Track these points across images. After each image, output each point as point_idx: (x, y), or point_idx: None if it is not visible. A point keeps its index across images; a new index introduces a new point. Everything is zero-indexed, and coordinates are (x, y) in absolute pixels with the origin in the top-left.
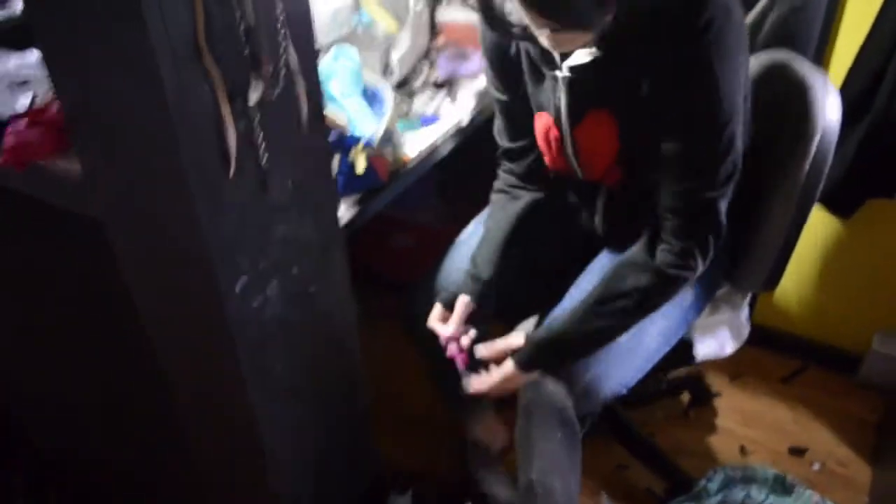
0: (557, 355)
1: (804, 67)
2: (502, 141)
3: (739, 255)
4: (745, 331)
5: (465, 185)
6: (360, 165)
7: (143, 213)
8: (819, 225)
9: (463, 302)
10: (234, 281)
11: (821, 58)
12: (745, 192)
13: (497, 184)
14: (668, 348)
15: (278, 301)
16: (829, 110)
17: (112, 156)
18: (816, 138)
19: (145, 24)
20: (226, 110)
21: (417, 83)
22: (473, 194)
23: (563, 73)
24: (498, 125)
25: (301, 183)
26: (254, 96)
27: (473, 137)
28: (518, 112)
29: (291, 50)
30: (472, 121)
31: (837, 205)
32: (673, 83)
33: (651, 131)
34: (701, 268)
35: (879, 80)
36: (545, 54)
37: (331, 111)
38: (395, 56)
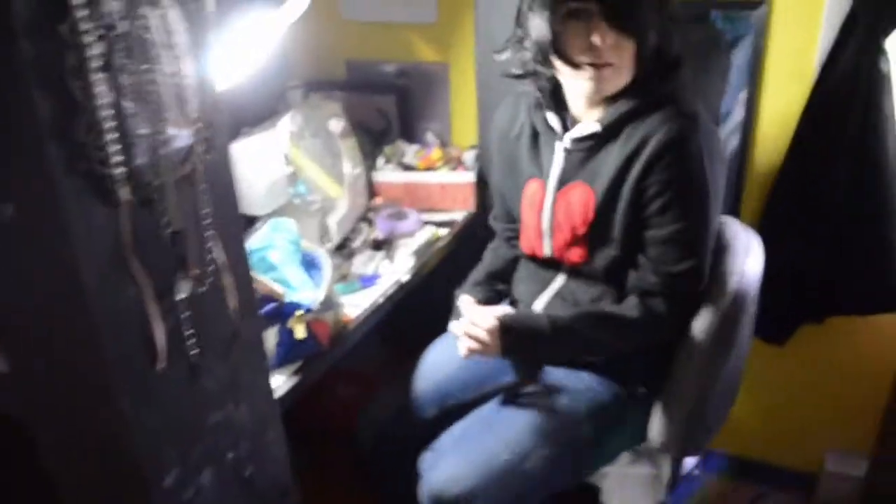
0: (531, 339)
1: (734, 228)
2: (496, 223)
3: (657, 411)
4: (661, 495)
5: (409, 332)
6: (300, 332)
7: (67, 410)
8: (759, 350)
9: (465, 300)
10: (162, 475)
11: (738, 206)
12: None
13: (490, 245)
14: (555, 480)
15: (212, 490)
16: (748, 270)
17: (37, 354)
18: (725, 300)
19: (68, 231)
20: (153, 309)
21: (357, 243)
22: (418, 341)
23: (562, 142)
24: (494, 211)
25: (234, 369)
26: (181, 293)
27: (415, 290)
28: (510, 199)
29: (219, 248)
30: (412, 278)
31: (770, 334)
32: (666, 167)
33: (629, 209)
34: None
35: (793, 219)
36: (549, 127)
37: (268, 281)
38: (333, 220)
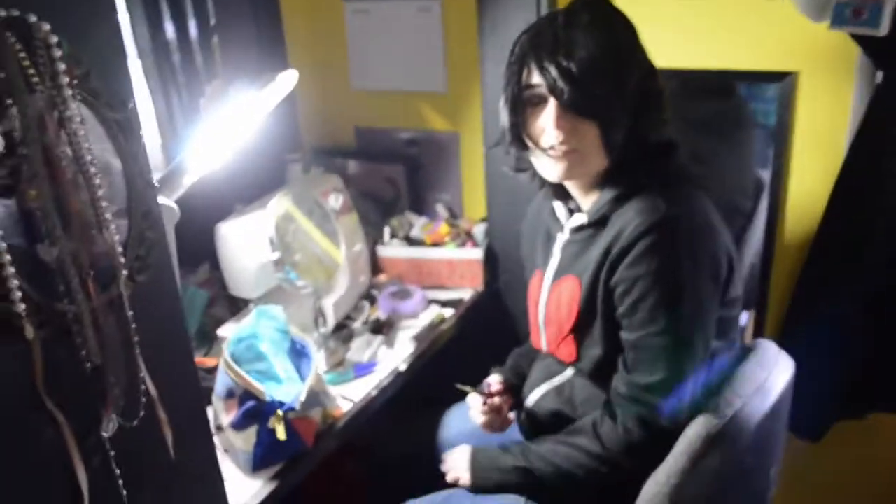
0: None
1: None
2: None
3: None
4: None
5: (419, 401)
6: (281, 433)
7: None
8: (794, 446)
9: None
10: None
11: (766, 293)
12: None
13: None
14: None
15: None
16: (747, 412)
17: None
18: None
19: None
20: (74, 451)
21: (357, 324)
22: (429, 412)
23: (564, 233)
24: None
25: (179, 500)
26: (107, 430)
27: (416, 376)
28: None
29: (148, 380)
30: (410, 366)
31: (806, 430)
32: (632, 263)
33: (604, 306)
34: (645, 448)
35: (827, 308)
36: (556, 218)
37: (247, 377)
38: (329, 302)
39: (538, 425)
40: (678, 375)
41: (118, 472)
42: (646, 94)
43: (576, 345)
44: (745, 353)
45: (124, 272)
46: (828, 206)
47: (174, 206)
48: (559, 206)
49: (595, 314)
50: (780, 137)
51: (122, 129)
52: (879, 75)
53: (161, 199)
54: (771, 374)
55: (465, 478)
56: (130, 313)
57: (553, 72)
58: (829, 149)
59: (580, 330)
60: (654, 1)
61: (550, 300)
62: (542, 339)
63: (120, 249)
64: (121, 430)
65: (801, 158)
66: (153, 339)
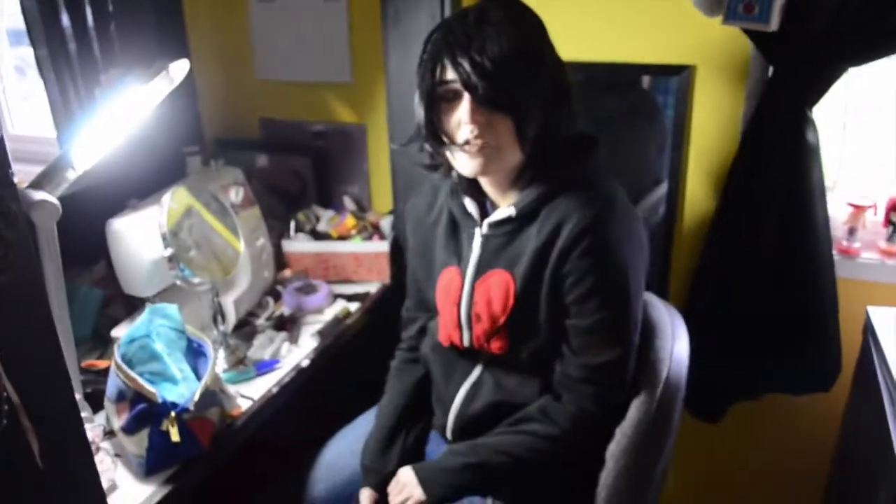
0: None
1: (658, 308)
2: (408, 317)
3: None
4: None
5: (331, 398)
6: (175, 435)
7: None
8: (693, 427)
9: (366, 497)
10: None
11: (665, 280)
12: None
13: (393, 363)
14: None
15: None
16: (678, 354)
17: None
18: (659, 388)
19: None
20: None
21: (260, 321)
22: (341, 408)
23: (482, 228)
24: (407, 303)
25: None
26: None
27: (320, 372)
28: (425, 288)
29: (9, 387)
30: (313, 362)
31: (704, 411)
32: (581, 255)
33: (549, 297)
34: (599, 424)
35: (721, 294)
36: (467, 214)
37: (138, 378)
38: (230, 299)
39: (473, 424)
40: (629, 351)
41: None
42: (556, 88)
43: (507, 337)
44: None
45: None
46: (722, 195)
47: (55, 201)
48: (470, 203)
49: (535, 305)
50: (678, 129)
51: None
52: (771, 69)
53: (41, 195)
54: (672, 320)
55: (416, 494)
56: None
57: (467, 67)
58: (724, 139)
59: (516, 322)
60: None
61: (477, 296)
62: (463, 335)
63: None
64: None
65: (699, 148)
66: (17, 342)
